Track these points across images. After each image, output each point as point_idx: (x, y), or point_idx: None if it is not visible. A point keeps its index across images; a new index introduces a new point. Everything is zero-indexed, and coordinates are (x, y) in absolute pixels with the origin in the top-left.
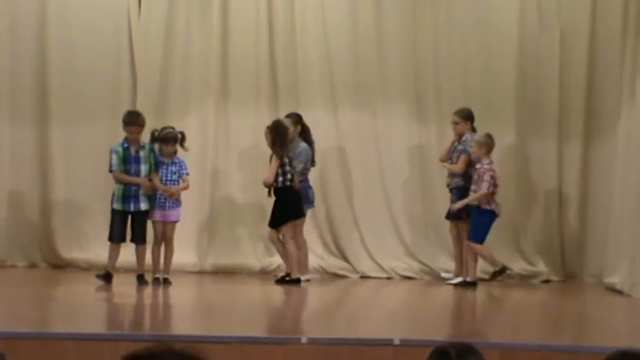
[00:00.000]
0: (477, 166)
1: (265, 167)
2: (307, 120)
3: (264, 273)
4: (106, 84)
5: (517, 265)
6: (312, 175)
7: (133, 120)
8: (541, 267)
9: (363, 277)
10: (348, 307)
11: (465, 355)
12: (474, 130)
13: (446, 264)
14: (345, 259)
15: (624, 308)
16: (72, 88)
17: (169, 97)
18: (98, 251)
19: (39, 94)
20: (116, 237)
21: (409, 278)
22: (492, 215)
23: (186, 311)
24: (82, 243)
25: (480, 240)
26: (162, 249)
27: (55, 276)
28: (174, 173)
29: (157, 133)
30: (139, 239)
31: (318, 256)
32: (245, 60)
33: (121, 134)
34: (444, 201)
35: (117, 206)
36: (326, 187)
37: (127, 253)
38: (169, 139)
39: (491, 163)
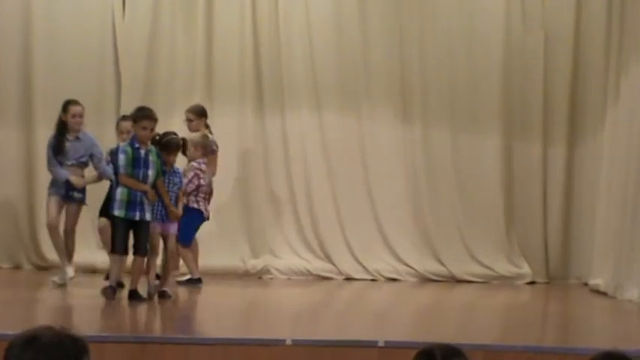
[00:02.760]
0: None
1: (249, 168)
2: (292, 122)
3: (248, 275)
4: (90, 85)
5: (502, 267)
6: (297, 176)
7: (147, 114)
8: (526, 269)
9: (348, 278)
10: (333, 309)
11: (450, 357)
12: (207, 126)
13: (431, 266)
14: (330, 261)
15: (609, 310)
16: (56, 90)
17: (154, 97)
18: (83, 253)
19: (23, 96)
20: (121, 248)
21: (394, 280)
22: (200, 216)
23: (170, 313)
24: None
25: (187, 241)
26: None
27: (40, 278)
28: (175, 185)
29: (157, 138)
30: (141, 251)
31: (302, 258)
32: (230, 61)
33: (107, 135)
34: (429, 203)
35: (120, 213)
36: (310, 189)
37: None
38: (173, 147)
39: (203, 163)
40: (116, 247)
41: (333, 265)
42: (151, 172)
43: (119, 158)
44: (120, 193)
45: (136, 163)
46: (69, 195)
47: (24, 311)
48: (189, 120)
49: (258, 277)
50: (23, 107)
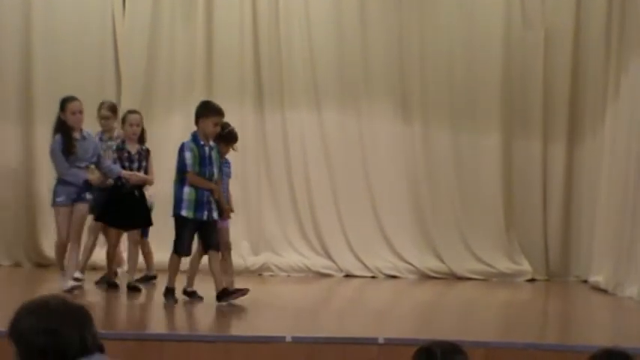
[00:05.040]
0: None
1: (249, 165)
2: (292, 119)
3: (248, 272)
4: (90, 82)
5: (502, 264)
6: (297, 174)
7: (218, 109)
8: (525, 266)
9: (348, 275)
10: (333, 306)
11: (450, 354)
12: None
13: (431, 263)
14: (330, 258)
15: (609, 307)
16: (56, 88)
17: (154, 95)
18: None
19: (23, 95)
20: (186, 250)
21: (394, 277)
22: None
23: (171, 310)
24: None
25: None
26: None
27: (39, 275)
28: (227, 176)
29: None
30: (214, 247)
31: (302, 255)
32: (229, 59)
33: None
34: (428, 200)
35: (188, 214)
36: (310, 186)
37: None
38: (234, 138)
39: None
40: (181, 249)
41: (333, 262)
42: (215, 170)
43: (185, 156)
44: (187, 192)
45: (202, 161)
46: (80, 197)
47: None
48: (106, 118)
49: (258, 274)
50: (23, 106)
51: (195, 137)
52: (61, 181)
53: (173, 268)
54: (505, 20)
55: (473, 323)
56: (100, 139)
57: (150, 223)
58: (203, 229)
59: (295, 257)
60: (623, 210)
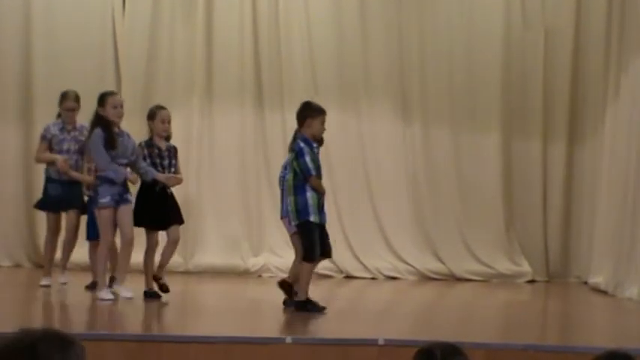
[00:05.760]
0: None
1: (249, 166)
2: (292, 119)
3: (248, 273)
4: (90, 82)
5: (502, 265)
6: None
7: (321, 107)
8: (525, 267)
9: (348, 277)
10: (333, 307)
11: (450, 355)
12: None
13: (431, 264)
14: (329, 259)
15: (609, 308)
16: (56, 87)
17: (154, 95)
18: (82, 250)
19: (24, 93)
20: (317, 256)
21: (394, 278)
22: None
23: (170, 311)
24: None
25: None
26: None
27: (40, 276)
28: None
29: None
30: (329, 253)
31: None
32: (229, 59)
33: None
34: (428, 201)
35: (315, 219)
36: None
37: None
38: (322, 140)
39: None
40: (315, 254)
41: (333, 263)
42: (322, 172)
43: (306, 161)
44: (310, 197)
45: (317, 163)
46: (123, 198)
47: (23, 310)
48: (73, 110)
49: (258, 275)
50: (23, 105)
51: (306, 140)
52: (104, 180)
53: (308, 278)
54: (505, 20)
55: (473, 324)
56: (61, 131)
57: (183, 221)
58: (321, 232)
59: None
60: (623, 210)
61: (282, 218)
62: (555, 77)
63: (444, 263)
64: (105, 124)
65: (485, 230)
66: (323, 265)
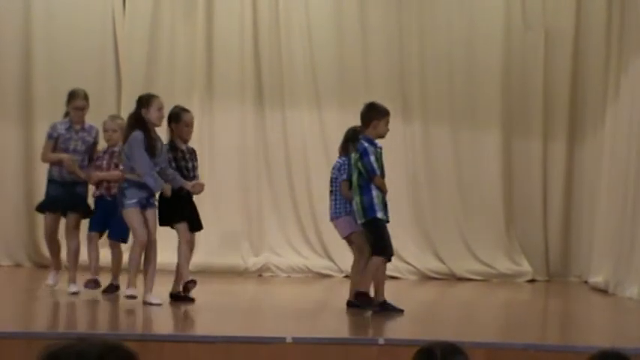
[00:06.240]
0: None
1: (250, 165)
2: (292, 119)
3: (248, 272)
4: (91, 83)
5: (502, 265)
6: (297, 174)
7: (386, 109)
8: (526, 266)
9: (348, 276)
10: (333, 307)
11: (450, 354)
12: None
13: (431, 263)
14: (330, 259)
15: (609, 308)
16: (56, 88)
17: None
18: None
19: (24, 94)
20: (393, 249)
21: (394, 278)
22: None
23: (171, 311)
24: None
25: None
26: None
27: (40, 275)
28: None
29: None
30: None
31: (302, 256)
32: (230, 58)
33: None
34: (428, 200)
35: (383, 216)
36: (310, 187)
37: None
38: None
39: None
40: (390, 249)
41: (333, 262)
42: (385, 172)
43: (370, 160)
44: (376, 196)
45: (381, 163)
46: (149, 202)
47: (24, 309)
48: (81, 109)
49: (258, 274)
50: (24, 108)
51: (370, 140)
52: (132, 183)
53: (383, 277)
54: (505, 21)
55: (473, 324)
56: (68, 130)
57: (202, 227)
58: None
59: (295, 258)
60: (623, 210)
61: (332, 220)
62: (555, 78)
63: (444, 263)
64: (145, 127)
65: (486, 230)
66: (323, 265)
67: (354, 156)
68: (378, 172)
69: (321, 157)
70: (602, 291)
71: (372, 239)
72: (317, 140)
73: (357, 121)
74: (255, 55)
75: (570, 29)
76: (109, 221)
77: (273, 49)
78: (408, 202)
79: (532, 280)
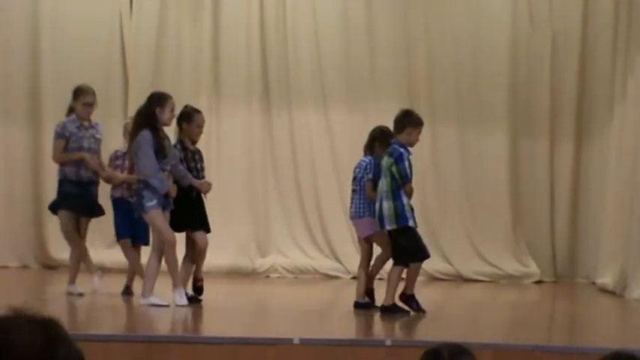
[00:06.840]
0: None
1: (257, 166)
2: (299, 120)
3: (256, 273)
4: (98, 84)
5: (509, 266)
6: (305, 175)
7: (421, 119)
8: (533, 268)
9: (355, 277)
10: (340, 308)
11: (457, 355)
12: None
13: (439, 265)
14: (337, 260)
15: (616, 309)
16: (64, 89)
17: None
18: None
19: (32, 96)
20: (428, 252)
21: (402, 279)
22: None
23: (178, 312)
24: None
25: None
26: None
27: (47, 277)
28: None
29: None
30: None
31: (309, 257)
32: (236, 60)
33: (114, 134)
34: (436, 201)
35: (413, 223)
36: (317, 188)
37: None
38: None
39: None
40: (425, 254)
41: (341, 263)
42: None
43: (405, 166)
44: (407, 203)
45: (412, 169)
46: (168, 202)
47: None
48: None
49: (265, 275)
50: (31, 108)
51: (404, 146)
52: (147, 184)
53: (397, 282)
54: (512, 23)
55: (480, 325)
56: (79, 128)
57: (209, 230)
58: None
59: (302, 259)
60: (630, 211)
61: (353, 219)
62: (562, 78)
63: (451, 264)
64: (155, 127)
65: (493, 231)
66: (330, 266)
67: (387, 160)
68: (411, 178)
69: (328, 158)
70: (610, 292)
71: (403, 246)
72: (324, 141)
73: (362, 123)
74: (262, 56)
75: (577, 30)
76: (135, 225)
77: (279, 50)
78: (415, 203)
79: (539, 282)
